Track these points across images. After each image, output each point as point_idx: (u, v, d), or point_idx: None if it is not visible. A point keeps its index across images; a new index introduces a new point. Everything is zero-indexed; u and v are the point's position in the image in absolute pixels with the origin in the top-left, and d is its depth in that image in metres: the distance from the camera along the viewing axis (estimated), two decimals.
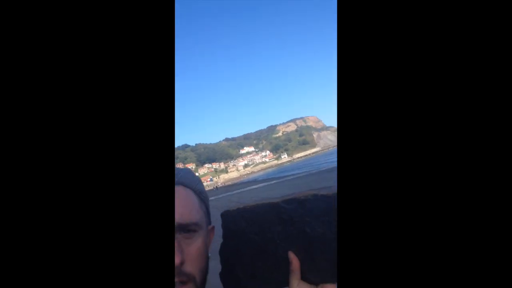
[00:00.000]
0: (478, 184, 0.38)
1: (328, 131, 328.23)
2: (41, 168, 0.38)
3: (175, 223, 0.58)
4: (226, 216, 0.67)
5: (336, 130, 0.51)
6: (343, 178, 0.44)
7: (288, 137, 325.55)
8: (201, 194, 0.69)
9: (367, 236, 0.42)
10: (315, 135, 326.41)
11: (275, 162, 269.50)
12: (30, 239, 0.37)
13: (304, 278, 0.61)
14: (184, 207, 0.61)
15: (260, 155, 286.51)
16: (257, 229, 0.64)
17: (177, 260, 0.55)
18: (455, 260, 0.38)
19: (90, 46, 0.41)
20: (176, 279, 0.57)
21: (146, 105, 0.43)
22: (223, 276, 0.68)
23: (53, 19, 0.39)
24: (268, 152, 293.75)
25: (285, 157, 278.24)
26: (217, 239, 0.69)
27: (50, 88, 0.39)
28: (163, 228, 0.42)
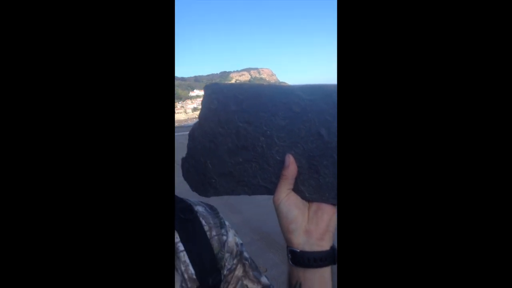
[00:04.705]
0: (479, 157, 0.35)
1: None
2: (37, 158, 0.36)
3: None
4: (212, 91, 0.51)
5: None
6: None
7: None
8: None
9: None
10: None
11: None
12: (27, 236, 0.35)
13: (296, 189, 0.49)
14: None
15: None
16: (251, 117, 0.49)
17: None
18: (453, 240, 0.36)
19: (83, 29, 0.38)
20: None
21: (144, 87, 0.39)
22: (184, 162, 0.53)
23: (50, 11, 0.37)
24: None
25: None
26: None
27: (47, 75, 0.37)
28: (161, 220, 0.39)
